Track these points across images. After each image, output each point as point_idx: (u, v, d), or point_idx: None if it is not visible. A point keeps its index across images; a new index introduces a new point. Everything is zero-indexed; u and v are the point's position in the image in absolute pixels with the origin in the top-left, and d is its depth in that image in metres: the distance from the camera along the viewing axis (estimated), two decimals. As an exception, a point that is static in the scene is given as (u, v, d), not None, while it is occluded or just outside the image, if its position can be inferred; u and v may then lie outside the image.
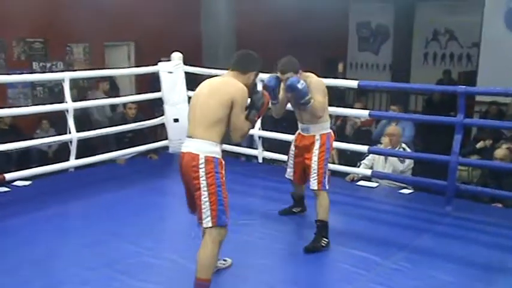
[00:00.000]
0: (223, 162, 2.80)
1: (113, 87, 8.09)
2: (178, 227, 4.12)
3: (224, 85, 2.80)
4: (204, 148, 2.72)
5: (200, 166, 2.69)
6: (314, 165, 3.62)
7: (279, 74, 3.57)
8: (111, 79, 8.07)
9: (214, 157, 2.72)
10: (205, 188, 2.69)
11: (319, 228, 3.57)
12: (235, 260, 3.37)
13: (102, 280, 3.10)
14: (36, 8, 7.36)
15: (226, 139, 2.83)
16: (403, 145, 5.21)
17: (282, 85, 3.62)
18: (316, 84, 3.61)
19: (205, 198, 2.69)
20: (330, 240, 3.57)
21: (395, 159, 5.02)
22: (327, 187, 3.63)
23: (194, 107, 2.83)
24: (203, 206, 2.70)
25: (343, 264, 3.37)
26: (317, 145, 3.66)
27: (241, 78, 2.88)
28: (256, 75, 2.96)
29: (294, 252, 3.56)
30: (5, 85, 7.35)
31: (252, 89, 2.94)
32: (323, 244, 3.55)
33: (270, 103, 3.21)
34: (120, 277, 3.14)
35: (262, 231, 3.95)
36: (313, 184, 3.62)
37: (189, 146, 2.75)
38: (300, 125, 3.84)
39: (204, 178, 2.69)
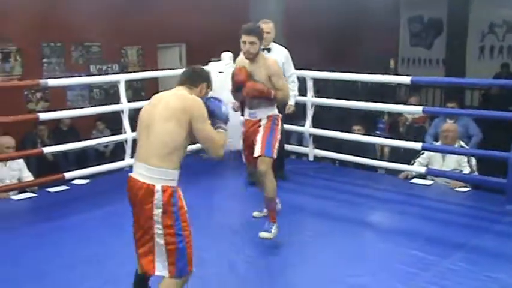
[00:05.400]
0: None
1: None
2: (229, 222, 4.15)
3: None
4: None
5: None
6: None
7: None
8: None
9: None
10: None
11: None
12: (287, 259, 3.37)
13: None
14: (93, 14, 7.63)
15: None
16: (461, 142, 5.05)
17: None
18: None
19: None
20: (377, 239, 3.47)
21: (463, 160, 4.86)
22: None
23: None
24: None
25: (397, 263, 3.29)
26: None
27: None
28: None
29: (346, 251, 3.52)
30: (65, 88, 7.66)
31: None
32: None
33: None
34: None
35: (314, 228, 3.93)
36: None
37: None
38: None
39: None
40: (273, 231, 3.48)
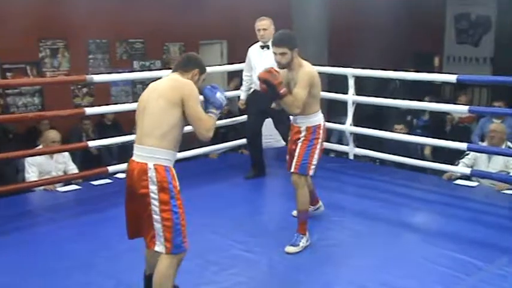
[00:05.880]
0: None
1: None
2: (270, 221, 4.15)
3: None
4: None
5: None
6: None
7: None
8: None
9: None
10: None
11: None
12: (326, 258, 3.34)
13: (195, 270, 3.19)
14: (137, 11, 7.77)
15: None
16: (508, 143, 4.87)
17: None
18: None
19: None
20: (419, 241, 3.39)
21: (510, 162, 4.69)
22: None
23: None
24: None
25: (440, 267, 3.21)
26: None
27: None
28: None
29: (387, 252, 3.46)
30: (109, 83, 7.83)
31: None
32: None
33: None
34: (212, 268, 3.23)
35: (354, 228, 3.88)
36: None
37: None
38: None
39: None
40: (300, 243, 3.44)
